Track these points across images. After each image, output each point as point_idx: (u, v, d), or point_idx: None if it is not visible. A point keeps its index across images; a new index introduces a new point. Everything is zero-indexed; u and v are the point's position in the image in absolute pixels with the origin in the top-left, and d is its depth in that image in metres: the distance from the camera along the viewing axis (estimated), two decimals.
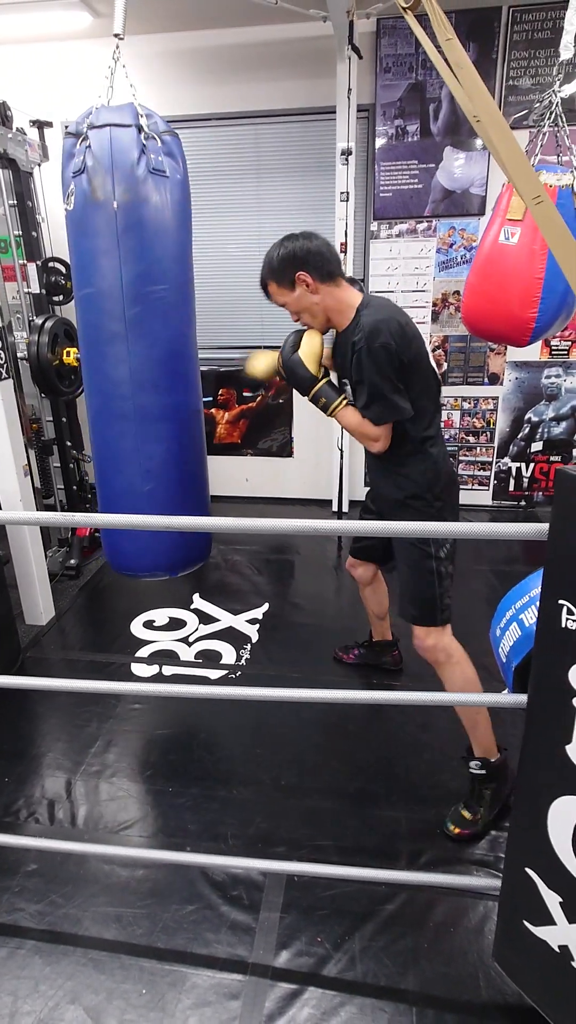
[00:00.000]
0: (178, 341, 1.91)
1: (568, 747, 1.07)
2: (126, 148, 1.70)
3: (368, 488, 2.10)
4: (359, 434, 1.72)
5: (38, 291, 3.22)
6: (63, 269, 3.64)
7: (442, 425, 1.88)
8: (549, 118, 2.07)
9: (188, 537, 2.02)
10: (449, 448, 4.09)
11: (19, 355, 3.14)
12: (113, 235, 1.75)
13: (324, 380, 1.72)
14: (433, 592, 1.74)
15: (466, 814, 1.78)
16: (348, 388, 1.76)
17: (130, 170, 1.70)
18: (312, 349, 1.72)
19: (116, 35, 1.79)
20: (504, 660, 1.38)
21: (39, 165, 3.39)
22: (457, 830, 1.77)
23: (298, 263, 1.65)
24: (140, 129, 1.73)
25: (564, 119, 2.08)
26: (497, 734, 2.07)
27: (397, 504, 1.80)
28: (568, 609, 1.02)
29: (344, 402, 1.71)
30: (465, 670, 1.78)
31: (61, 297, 3.67)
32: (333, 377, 1.79)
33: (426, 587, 1.75)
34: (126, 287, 1.78)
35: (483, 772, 1.77)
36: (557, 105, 2.05)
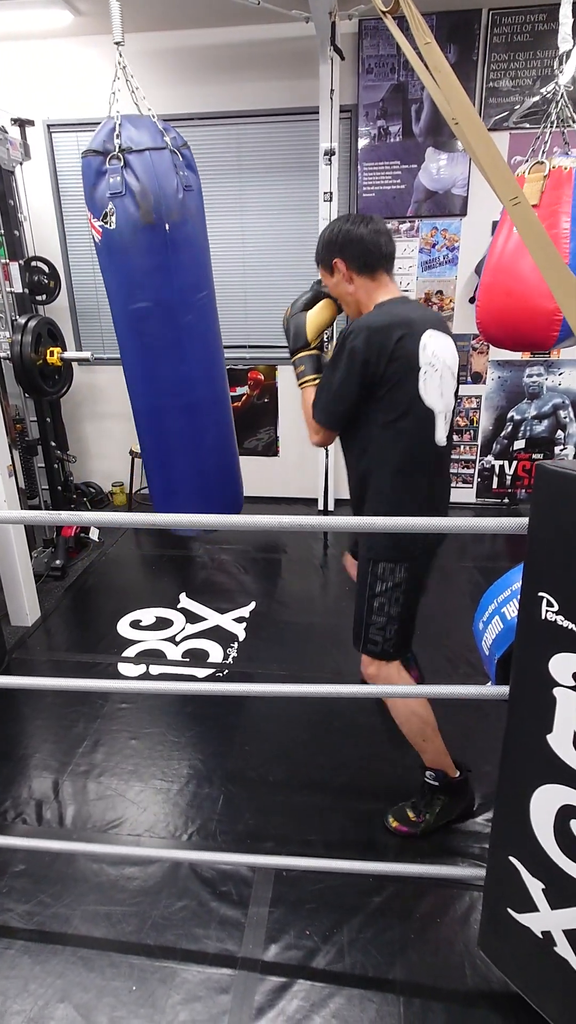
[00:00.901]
0: (218, 337, 2.21)
1: (549, 736, 1.10)
2: (167, 171, 1.88)
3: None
4: (306, 418, 1.64)
5: (21, 290, 3.20)
6: (46, 268, 3.62)
7: (440, 482, 1.66)
8: (556, 109, 2.08)
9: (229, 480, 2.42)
10: None
11: (2, 355, 3.13)
12: (165, 253, 1.93)
13: (313, 350, 1.65)
14: (361, 619, 1.69)
15: (410, 814, 1.78)
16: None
17: (174, 192, 1.88)
18: (321, 316, 1.65)
19: (117, 43, 1.83)
20: (487, 653, 1.41)
21: (20, 164, 3.37)
22: (396, 824, 1.78)
23: (335, 249, 1.56)
24: (169, 148, 1.88)
25: (572, 109, 2.09)
26: (481, 726, 2.10)
27: (360, 555, 1.70)
28: (548, 601, 1.04)
29: (315, 381, 1.64)
30: (410, 702, 1.71)
31: (44, 296, 3.65)
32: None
33: (357, 611, 1.71)
34: (181, 297, 1.99)
35: (436, 784, 1.76)
36: (563, 96, 2.06)
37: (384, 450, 1.56)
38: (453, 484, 4.18)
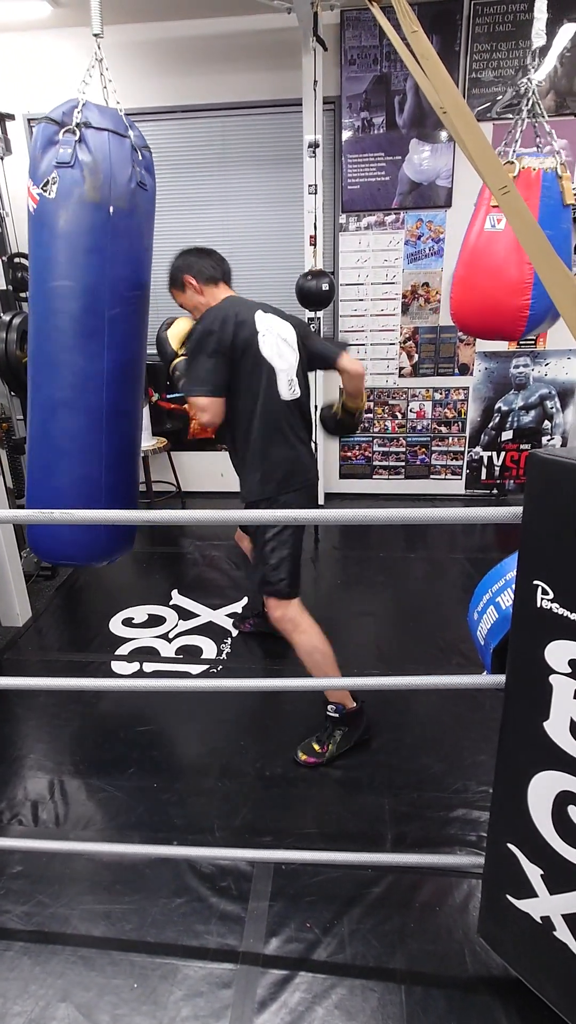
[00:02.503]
0: (141, 344, 2.09)
1: (546, 723, 1.11)
2: (124, 157, 1.83)
3: None
4: (191, 407, 1.89)
5: (4, 287, 3.16)
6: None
7: (294, 434, 1.97)
8: (527, 105, 2.07)
9: (118, 529, 2.18)
10: (421, 439, 4.14)
11: None
12: (104, 235, 1.83)
13: (181, 358, 1.94)
14: (259, 568, 1.98)
15: (315, 746, 2.01)
16: None
17: (126, 179, 1.83)
18: (179, 330, 1.96)
19: (96, 35, 1.80)
20: (482, 643, 1.42)
21: (1, 159, 3.32)
22: (304, 757, 2.00)
23: (184, 269, 1.94)
24: (131, 141, 1.84)
25: (542, 107, 2.08)
26: (477, 716, 2.12)
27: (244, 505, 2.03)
28: (543, 589, 1.05)
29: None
30: (312, 638, 1.97)
31: (28, 293, 3.61)
32: None
33: (256, 558, 2.01)
34: (111, 287, 1.88)
35: (336, 715, 2.01)
36: (534, 92, 2.06)
37: (240, 408, 1.89)
38: (441, 476, 4.21)
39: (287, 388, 1.91)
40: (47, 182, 1.78)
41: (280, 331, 1.91)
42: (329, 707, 2.00)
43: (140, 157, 1.89)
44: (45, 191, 1.79)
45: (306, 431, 2.04)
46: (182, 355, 1.93)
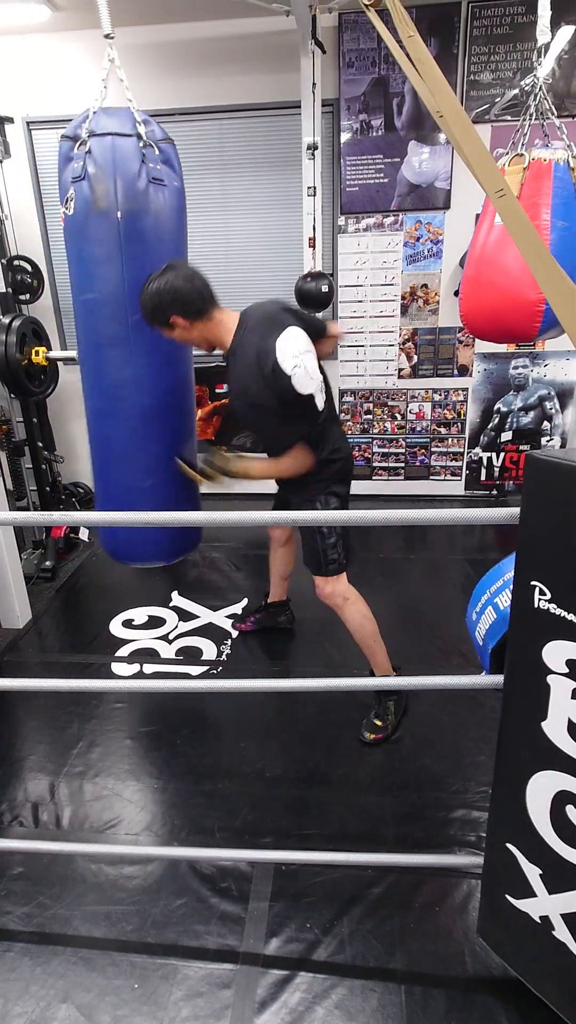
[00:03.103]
0: (176, 346, 1.96)
1: (544, 723, 1.11)
2: (128, 157, 1.76)
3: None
4: (284, 473, 1.98)
5: (4, 290, 3.17)
6: (29, 267, 3.59)
7: (336, 430, 2.03)
8: (534, 102, 2.07)
9: (179, 529, 2.15)
10: (421, 440, 4.15)
11: None
12: (116, 242, 1.80)
13: (228, 453, 1.97)
14: (317, 547, 2.00)
15: (377, 722, 2.11)
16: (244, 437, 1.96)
17: (132, 180, 1.77)
18: (220, 458, 1.96)
19: (107, 36, 1.79)
20: (481, 643, 1.42)
21: (0, 162, 3.33)
22: (372, 736, 2.08)
23: (165, 309, 1.72)
24: (140, 138, 1.78)
25: (550, 102, 2.08)
26: (476, 717, 2.12)
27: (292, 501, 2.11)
28: (540, 590, 1.05)
29: (252, 455, 2.00)
30: (360, 608, 2.07)
31: (27, 296, 3.62)
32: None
33: (311, 543, 2.01)
34: (129, 293, 1.83)
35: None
36: (541, 88, 2.05)
37: (291, 435, 1.90)
38: (441, 476, 4.22)
39: (321, 400, 1.86)
40: (68, 199, 1.81)
41: (305, 346, 1.77)
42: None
43: (157, 152, 1.83)
44: (67, 208, 1.82)
45: (334, 412, 2.06)
46: (228, 454, 1.97)
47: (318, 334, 2.01)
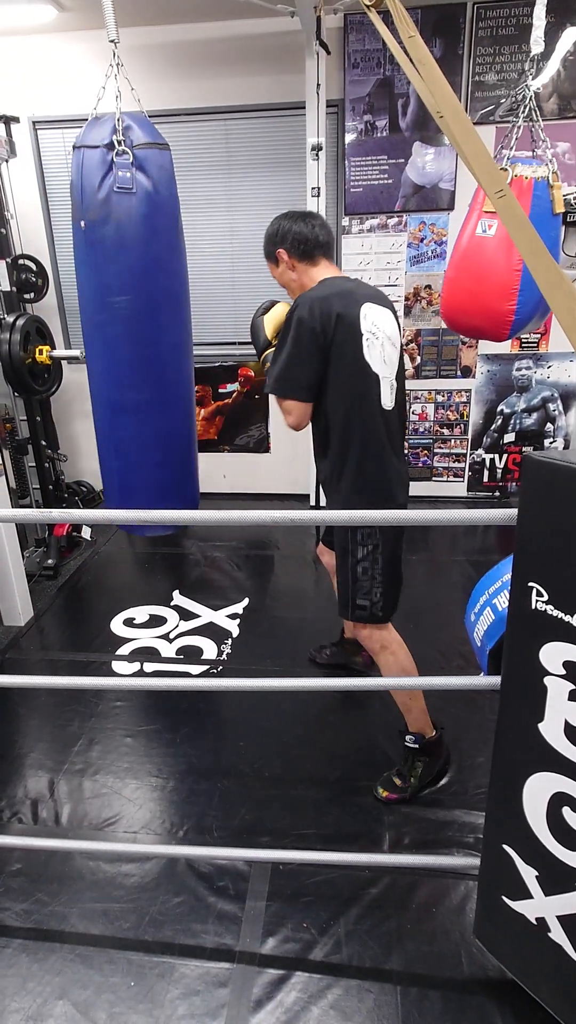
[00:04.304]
0: (146, 344, 2.12)
1: (540, 725, 1.11)
2: (93, 169, 1.89)
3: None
4: (279, 405, 1.74)
5: (8, 289, 3.18)
6: (33, 266, 3.60)
7: (392, 448, 1.75)
8: (523, 112, 2.08)
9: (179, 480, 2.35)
10: (423, 441, 4.14)
11: None
12: (81, 250, 2.01)
13: (273, 348, 1.78)
14: (347, 589, 1.80)
15: (397, 781, 1.88)
16: None
17: (93, 191, 1.89)
18: (276, 315, 1.78)
19: (112, 41, 1.82)
20: (479, 645, 1.42)
21: (6, 161, 3.35)
22: (386, 794, 1.87)
23: (277, 241, 1.75)
24: (111, 146, 1.83)
25: (538, 113, 2.10)
26: (475, 719, 2.12)
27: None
28: (538, 591, 1.05)
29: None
30: (400, 660, 1.84)
31: (32, 295, 3.63)
32: None
33: (343, 583, 1.82)
34: (94, 297, 2.04)
35: (416, 746, 1.86)
36: (531, 99, 2.07)
37: (338, 416, 1.68)
38: (443, 478, 4.20)
39: (389, 396, 1.70)
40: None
41: (387, 329, 1.68)
42: (408, 737, 1.86)
43: (131, 158, 1.86)
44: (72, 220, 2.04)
45: (401, 442, 1.83)
46: (275, 345, 1.75)
47: None
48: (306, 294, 1.65)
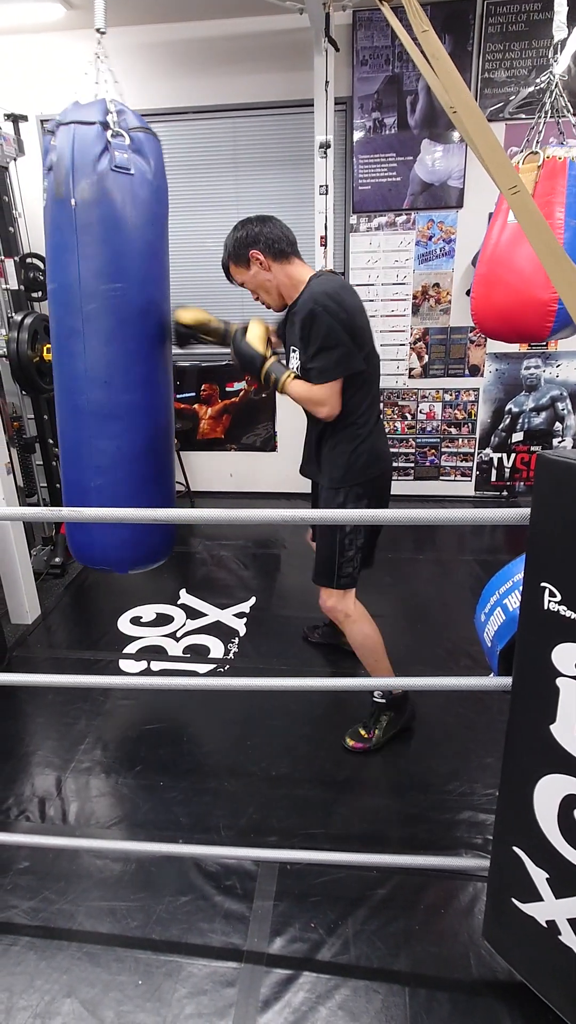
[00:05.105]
0: (137, 339, 1.88)
1: (552, 726, 1.10)
2: (88, 145, 1.71)
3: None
4: (308, 401, 1.80)
5: (16, 287, 3.19)
6: (41, 265, 3.60)
7: (379, 407, 1.99)
8: (550, 99, 2.05)
9: (146, 532, 2.00)
10: (431, 440, 4.13)
11: None
12: (72, 232, 1.77)
13: (272, 358, 1.84)
14: (333, 559, 1.92)
15: (363, 732, 2.05)
16: (295, 359, 1.84)
17: (90, 167, 1.71)
18: (257, 333, 1.84)
19: (98, 30, 1.78)
20: (489, 645, 1.41)
21: (14, 159, 3.35)
22: (352, 743, 2.04)
23: (250, 243, 1.79)
24: (106, 126, 1.73)
25: (566, 99, 2.06)
26: (483, 719, 2.11)
27: (323, 488, 1.97)
28: (550, 591, 1.04)
29: (291, 375, 1.82)
30: (363, 627, 1.99)
31: (40, 293, 3.63)
32: (283, 356, 1.93)
33: (328, 553, 1.93)
34: (83, 283, 1.79)
35: (383, 700, 2.05)
36: (557, 86, 2.03)
37: (356, 397, 1.82)
38: (451, 477, 4.20)
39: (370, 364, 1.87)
40: (44, 189, 1.80)
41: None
42: (375, 692, 2.04)
43: (128, 140, 1.77)
44: (44, 198, 1.81)
45: (379, 416, 2.01)
46: (271, 358, 1.83)
47: None
48: (313, 292, 1.73)
